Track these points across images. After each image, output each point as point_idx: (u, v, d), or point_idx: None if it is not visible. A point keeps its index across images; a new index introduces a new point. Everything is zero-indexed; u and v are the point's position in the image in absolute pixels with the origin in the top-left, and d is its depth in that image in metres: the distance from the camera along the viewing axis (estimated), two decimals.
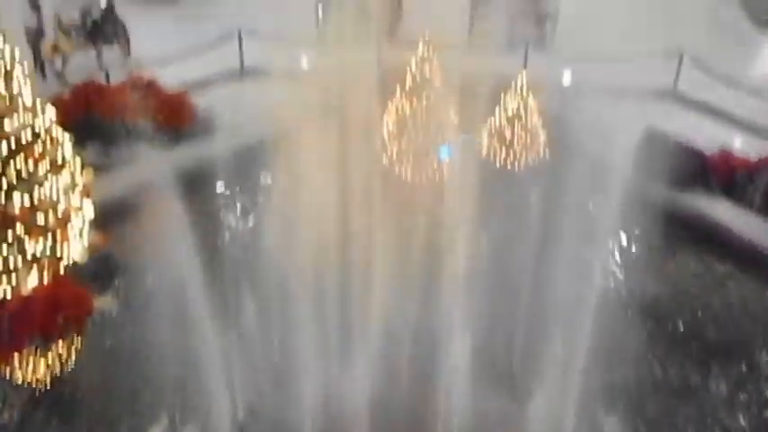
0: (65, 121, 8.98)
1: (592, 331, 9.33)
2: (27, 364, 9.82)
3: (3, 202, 8.31)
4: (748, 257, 12.93)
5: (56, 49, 16.18)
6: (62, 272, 8.94)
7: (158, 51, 15.89)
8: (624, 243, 13.01)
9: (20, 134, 8.32)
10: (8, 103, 8.25)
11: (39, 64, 16.11)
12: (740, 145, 14.44)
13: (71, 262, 8.92)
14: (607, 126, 11.24)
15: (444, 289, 10.02)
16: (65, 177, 8.73)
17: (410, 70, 12.42)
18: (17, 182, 8.36)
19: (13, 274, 8.55)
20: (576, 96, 14.43)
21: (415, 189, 12.06)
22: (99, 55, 16.73)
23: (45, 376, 9.94)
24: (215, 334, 9.15)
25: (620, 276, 12.68)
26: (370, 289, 10.15)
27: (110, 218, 10.11)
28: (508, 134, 12.74)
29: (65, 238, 8.73)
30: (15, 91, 8.29)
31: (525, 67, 14.98)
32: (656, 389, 10.73)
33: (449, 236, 10.38)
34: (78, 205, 8.91)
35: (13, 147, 8.29)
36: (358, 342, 9.99)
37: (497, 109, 12.77)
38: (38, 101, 8.54)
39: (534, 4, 17.76)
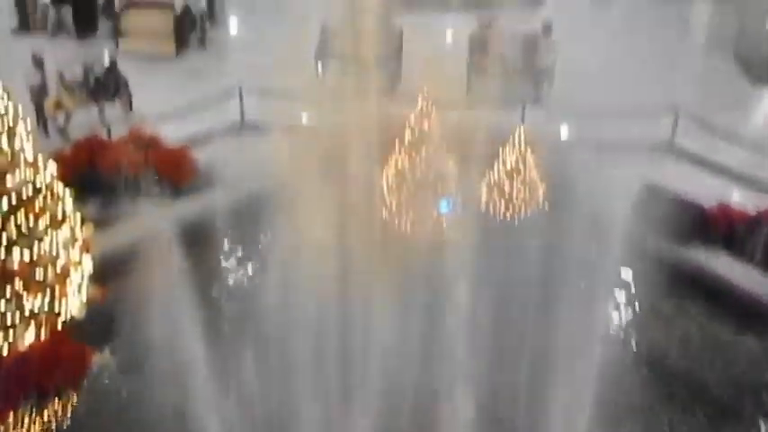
0: (66, 177, 9.02)
1: (594, 386, 9.26)
2: (22, 424, 9.71)
3: (2, 257, 8.30)
4: (749, 311, 12.88)
5: (58, 105, 16.33)
6: (60, 328, 8.89)
7: (160, 107, 16.04)
8: (625, 296, 12.98)
9: (21, 190, 8.35)
10: (10, 160, 8.29)
11: (41, 120, 16.24)
12: (738, 198, 14.49)
13: (69, 317, 8.87)
14: (605, 180, 11.31)
15: (445, 343, 9.97)
16: (65, 232, 8.74)
17: (409, 125, 12.52)
18: (17, 237, 8.36)
19: (11, 331, 8.50)
20: (573, 150, 14.52)
21: (415, 242, 12.06)
22: (101, 111, 16.88)
23: None
24: (213, 390, 9.07)
25: (622, 330, 12.63)
26: (370, 343, 10.10)
27: (109, 272, 10.09)
28: (507, 188, 12.79)
29: (63, 293, 8.70)
30: (17, 147, 8.34)
31: (523, 121, 15.12)
32: None
33: (449, 289, 10.37)
34: (78, 260, 8.90)
35: (14, 202, 8.31)
36: (358, 398, 9.90)
37: (496, 163, 12.85)
38: (39, 156, 8.59)
39: (531, 60, 17.97)
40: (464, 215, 12.05)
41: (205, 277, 11.72)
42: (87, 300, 9.09)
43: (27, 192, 8.40)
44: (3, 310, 8.35)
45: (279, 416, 10.16)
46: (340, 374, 9.80)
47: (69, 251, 8.75)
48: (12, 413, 9.59)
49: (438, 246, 11.31)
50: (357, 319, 10.01)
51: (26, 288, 8.43)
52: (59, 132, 16.29)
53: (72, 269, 8.79)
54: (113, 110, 17.02)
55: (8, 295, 8.37)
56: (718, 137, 15.46)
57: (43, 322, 8.65)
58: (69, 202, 8.85)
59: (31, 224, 8.41)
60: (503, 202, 12.85)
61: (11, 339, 8.53)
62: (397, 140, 12.60)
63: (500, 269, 10.91)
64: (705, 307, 13.13)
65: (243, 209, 12.61)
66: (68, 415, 10.01)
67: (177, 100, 16.22)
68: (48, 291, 8.56)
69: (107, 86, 16.94)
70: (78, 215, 8.96)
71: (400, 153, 12.59)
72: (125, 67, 17.33)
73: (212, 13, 20.98)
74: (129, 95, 17.12)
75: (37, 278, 8.47)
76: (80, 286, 8.94)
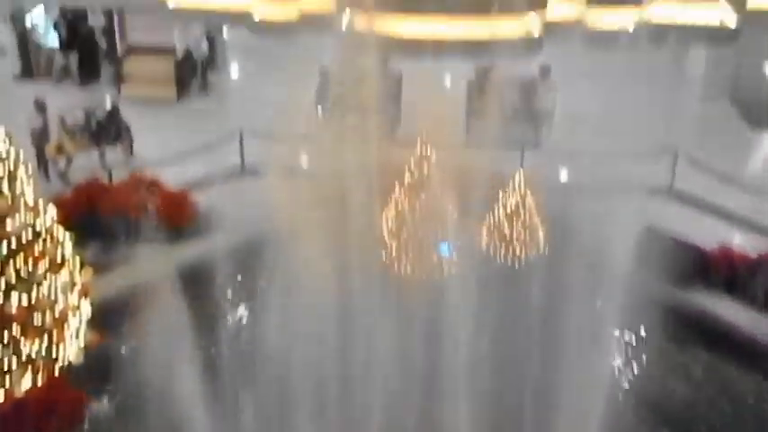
0: (66, 220, 9.03)
1: (595, 429, 9.15)
2: None
3: (0, 301, 8.27)
4: (752, 354, 12.79)
5: (60, 149, 16.41)
6: (57, 373, 8.81)
7: (161, 150, 16.11)
8: (627, 341, 12.90)
9: (21, 234, 8.35)
10: (10, 204, 8.31)
11: (42, 164, 16.31)
12: (739, 241, 14.49)
13: (67, 363, 8.80)
14: (606, 223, 11.30)
15: (446, 388, 9.88)
16: (64, 277, 8.72)
17: (409, 168, 12.56)
18: (16, 281, 8.34)
19: (7, 376, 8.43)
20: (573, 193, 14.54)
21: (415, 285, 12.02)
22: (102, 155, 16.96)
23: None
24: None
25: (625, 374, 12.52)
26: (371, 388, 10.01)
27: (108, 317, 10.04)
28: (507, 231, 12.79)
29: (61, 338, 8.65)
30: (18, 191, 8.37)
31: (522, 164, 15.17)
32: None
33: (450, 332, 10.30)
34: (76, 305, 8.87)
35: (14, 246, 8.30)
36: None
37: (496, 206, 12.87)
38: (40, 200, 8.61)
39: (529, 104, 18.09)
40: (464, 258, 12.02)
41: (204, 322, 11.64)
42: (85, 345, 9.03)
43: (27, 236, 8.40)
44: (0, 355, 8.29)
45: None
46: (340, 418, 9.70)
47: (68, 296, 8.73)
48: None
49: (438, 288, 11.26)
50: (357, 362, 9.93)
51: (24, 333, 8.39)
52: (60, 176, 16.35)
53: (70, 314, 8.76)
54: (115, 154, 17.10)
55: (5, 340, 8.33)
56: (718, 180, 15.51)
57: (40, 367, 8.59)
58: (69, 246, 8.86)
59: (30, 268, 8.40)
60: (503, 245, 12.84)
61: (8, 385, 8.46)
62: (396, 183, 12.63)
63: (501, 312, 10.86)
64: (708, 350, 13.04)
65: (243, 253, 12.57)
66: None
67: (178, 144, 16.31)
68: (45, 336, 8.51)
69: (108, 131, 17.04)
70: (78, 259, 8.95)
71: (400, 196, 12.62)
72: (127, 112, 17.45)
73: (213, 58, 21.16)
74: (131, 140, 17.21)
75: (35, 323, 8.44)
76: (78, 331, 8.89)
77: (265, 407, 10.04)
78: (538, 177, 13.36)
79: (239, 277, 12.96)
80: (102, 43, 20.92)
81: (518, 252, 12.81)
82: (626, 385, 12.38)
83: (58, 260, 8.76)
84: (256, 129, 16.14)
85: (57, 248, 8.74)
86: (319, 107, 17.60)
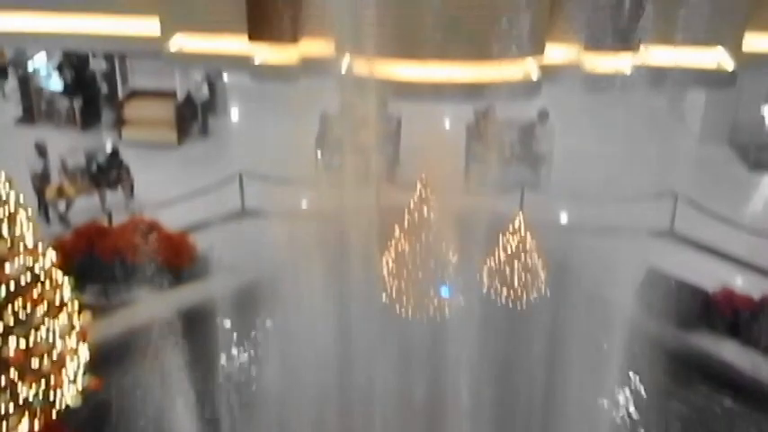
0: (66, 263, 9.01)
1: None
2: None
3: None
4: (755, 396, 12.68)
5: (60, 192, 16.44)
6: (54, 417, 8.72)
7: (161, 194, 16.14)
8: (631, 384, 12.79)
9: (19, 277, 8.33)
10: (10, 247, 8.30)
11: (42, 207, 16.33)
12: (741, 283, 14.45)
13: (64, 407, 8.71)
14: (607, 265, 11.28)
15: (447, 430, 9.77)
16: (62, 320, 8.68)
17: (408, 210, 12.57)
18: (14, 325, 8.29)
19: (4, 421, 8.34)
20: (573, 235, 14.54)
21: (416, 328, 11.95)
22: (102, 198, 16.98)
23: None
24: None
25: (629, 418, 12.39)
26: (371, 429, 9.90)
27: (106, 361, 9.96)
28: (508, 273, 12.74)
29: (59, 382, 8.57)
30: (18, 234, 8.37)
31: (522, 206, 15.18)
32: None
33: (451, 375, 10.22)
34: (74, 348, 8.80)
35: (12, 289, 8.27)
36: None
37: (497, 248, 12.84)
38: (39, 243, 8.60)
39: (528, 146, 18.18)
40: (465, 300, 11.97)
41: (203, 366, 11.56)
42: (83, 389, 8.95)
43: (26, 279, 8.38)
44: None
45: None
46: None
47: (66, 340, 8.67)
48: None
49: (439, 331, 11.20)
50: (358, 404, 9.84)
51: (21, 377, 8.32)
52: (60, 219, 16.35)
53: (68, 358, 8.69)
54: (115, 196, 17.13)
55: (2, 384, 8.25)
56: (718, 222, 15.52)
57: (38, 412, 8.50)
58: (68, 289, 8.82)
59: (29, 312, 8.35)
60: (504, 287, 12.79)
61: (4, 430, 8.36)
62: (396, 226, 12.62)
63: (502, 354, 10.78)
64: (711, 392, 12.93)
65: (242, 296, 12.53)
66: None
67: (179, 187, 16.34)
68: (43, 380, 8.44)
69: (109, 174, 17.09)
70: (76, 303, 8.91)
71: (400, 238, 12.60)
72: (127, 155, 17.52)
73: (214, 101, 21.31)
74: (131, 183, 17.25)
75: (32, 367, 8.36)
76: (76, 375, 8.82)
77: None
78: (538, 219, 13.35)
79: (239, 320, 12.91)
80: (104, 87, 21.08)
81: (519, 294, 12.75)
82: (628, 427, 12.24)
83: (57, 303, 8.71)
84: (256, 171, 16.20)
85: (55, 292, 8.71)
86: (319, 150, 17.68)
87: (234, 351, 13.61)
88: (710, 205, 15.82)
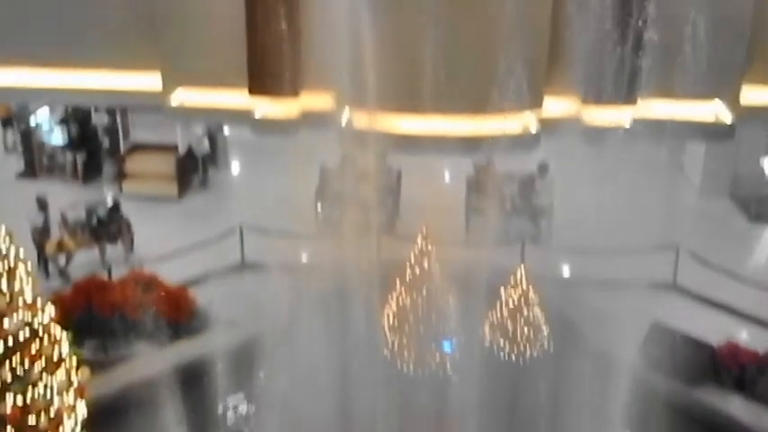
0: (65, 318, 8.96)
1: None
2: None
3: None
4: None
5: (60, 247, 16.39)
6: None
7: (161, 247, 16.10)
8: None
9: (18, 332, 8.26)
10: (8, 302, 8.25)
11: (42, 261, 16.27)
12: (745, 337, 14.33)
13: None
14: (609, 319, 11.20)
15: None
16: (60, 376, 8.59)
17: (409, 264, 12.53)
18: (11, 381, 8.20)
19: None
20: (575, 289, 14.47)
21: (418, 382, 11.83)
22: (102, 252, 16.93)
23: None
24: None
25: None
26: None
27: (105, 417, 9.82)
28: (510, 327, 12.66)
29: None
30: (17, 289, 8.32)
31: (523, 259, 15.13)
32: None
33: (454, 429, 10.07)
34: (72, 405, 8.69)
35: (10, 345, 8.20)
36: None
37: (498, 302, 12.78)
38: (38, 299, 8.55)
39: (528, 199, 18.20)
40: (467, 354, 11.86)
41: (201, 422, 11.40)
42: None
43: (24, 334, 8.31)
44: None
45: None
46: None
47: (64, 396, 8.57)
48: None
49: (441, 385, 11.07)
50: None
51: None
52: (60, 273, 16.28)
53: (65, 414, 8.58)
54: (115, 250, 17.08)
55: None
56: (720, 275, 15.45)
57: None
58: (66, 345, 8.74)
59: (26, 368, 8.27)
60: (506, 341, 12.69)
61: None
62: (397, 279, 12.57)
63: (505, 409, 10.63)
64: None
65: (241, 350, 12.42)
66: None
67: (179, 240, 16.31)
68: None
69: (109, 228, 17.06)
70: (74, 359, 8.82)
71: (401, 292, 12.54)
72: (128, 209, 17.52)
73: (214, 154, 21.39)
74: (132, 237, 17.22)
75: (29, 423, 8.25)
76: None
77: None
78: (539, 272, 13.30)
79: (238, 375, 12.78)
80: (106, 141, 21.18)
81: (522, 348, 12.65)
82: None
83: (55, 359, 8.63)
84: (257, 225, 16.20)
85: (54, 347, 8.63)
86: (319, 203, 17.71)
87: (233, 406, 13.45)
88: (713, 258, 15.76)
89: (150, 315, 12.91)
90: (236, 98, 16.30)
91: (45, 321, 8.57)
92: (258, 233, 16.17)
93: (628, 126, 15.33)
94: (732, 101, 15.84)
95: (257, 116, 16.88)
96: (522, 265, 13.10)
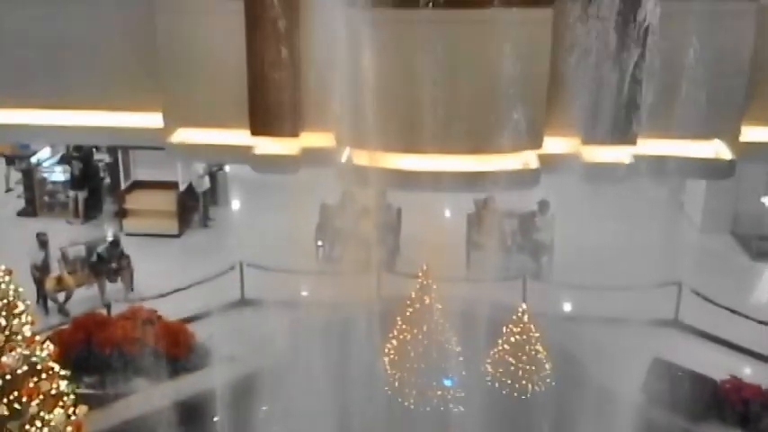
0: (64, 354, 8.93)
1: None
2: None
3: None
4: None
5: (59, 283, 16.36)
6: None
7: (161, 284, 16.06)
8: None
9: (16, 368, 8.22)
10: (7, 338, 8.22)
11: (41, 298, 16.22)
12: (750, 373, 14.24)
13: None
14: (612, 356, 11.13)
15: None
16: (58, 413, 8.51)
17: (410, 300, 12.50)
18: (8, 417, 8.13)
19: None
20: (577, 325, 14.40)
21: (420, 418, 11.73)
22: (102, 289, 16.89)
23: None
24: None
25: None
26: None
27: None
28: (512, 363, 12.59)
29: None
30: (15, 326, 8.30)
31: (524, 296, 15.09)
32: None
33: None
34: None
35: (9, 379, 8.15)
36: None
37: (500, 338, 12.72)
38: (37, 337, 8.52)
39: (528, 236, 18.20)
40: (469, 390, 11.78)
41: None
42: None
43: (22, 370, 8.26)
44: None
45: None
46: None
47: None
48: None
49: (443, 421, 10.97)
50: None
51: None
52: (59, 310, 16.23)
53: None
54: (115, 286, 17.04)
55: None
56: (722, 312, 15.40)
57: None
58: (64, 381, 8.69)
59: (24, 403, 8.20)
60: (508, 377, 12.61)
61: None
62: (398, 316, 12.53)
63: None
64: None
65: (241, 387, 12.33)
66: None
67: (179, 277, 16.28)
68: None
69: (109, 265, 17.04)
70: (72, 396, 8.76)
71: (402, 328, 12.49)
72: (128, 246, 17.51)
73: (215, 192, 21.44)
74: (131, 274, 17.19)
75: None
76: None
77: None
78: (540, 309, 13.26)
79: (238, 411, 12.67)
80: (107, 178, 21.25)
81: (523, 384, 12.56)
82: None
83: (53, 395, 8.57)
84: (257, 261, 16.18)
85: (52, 384, 8.58)
86: (319, 241, 17.71)
87: None
88: (715, 295, 15.72)
89: (149, 351, 12.84)
90: (236, 137, 16.45)
91: (44, 357, 8.53)
92: (258, 270, 16.15)
93: (627, 164, 15.43)
94: (732, 138, 15.93)
95: (258, 153, 17.01)
96: (524, 302, 13.07)
